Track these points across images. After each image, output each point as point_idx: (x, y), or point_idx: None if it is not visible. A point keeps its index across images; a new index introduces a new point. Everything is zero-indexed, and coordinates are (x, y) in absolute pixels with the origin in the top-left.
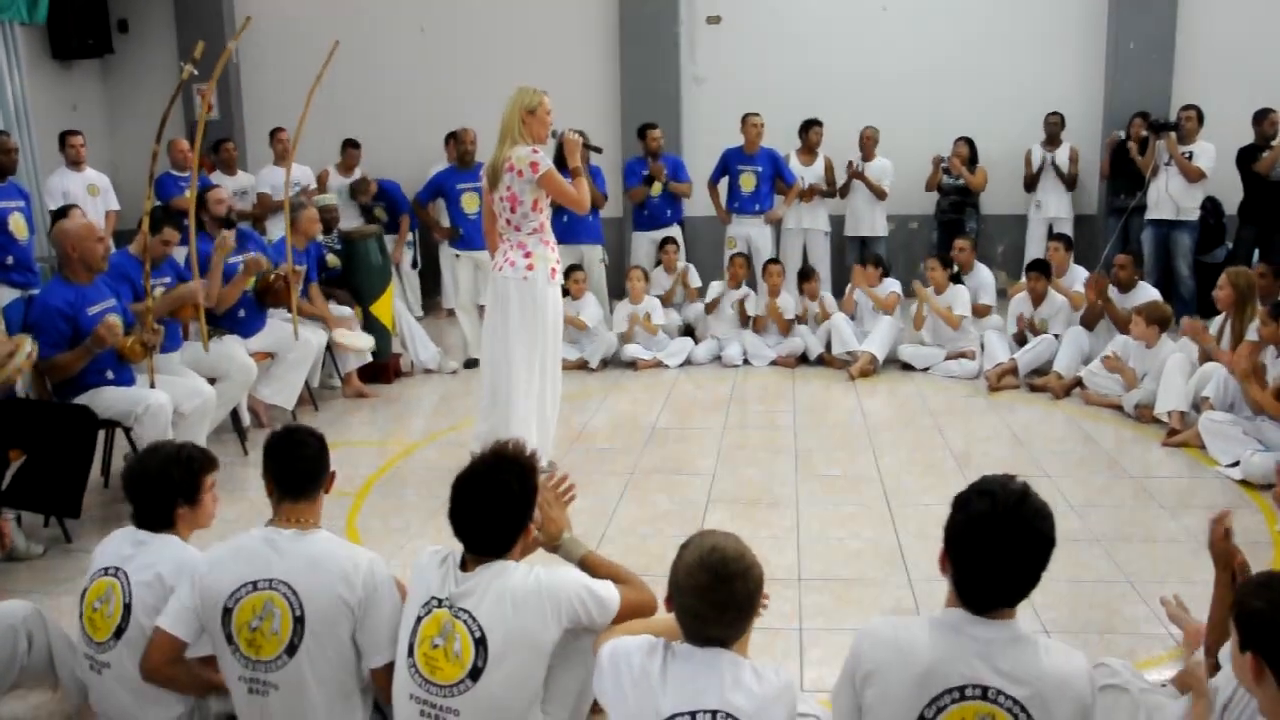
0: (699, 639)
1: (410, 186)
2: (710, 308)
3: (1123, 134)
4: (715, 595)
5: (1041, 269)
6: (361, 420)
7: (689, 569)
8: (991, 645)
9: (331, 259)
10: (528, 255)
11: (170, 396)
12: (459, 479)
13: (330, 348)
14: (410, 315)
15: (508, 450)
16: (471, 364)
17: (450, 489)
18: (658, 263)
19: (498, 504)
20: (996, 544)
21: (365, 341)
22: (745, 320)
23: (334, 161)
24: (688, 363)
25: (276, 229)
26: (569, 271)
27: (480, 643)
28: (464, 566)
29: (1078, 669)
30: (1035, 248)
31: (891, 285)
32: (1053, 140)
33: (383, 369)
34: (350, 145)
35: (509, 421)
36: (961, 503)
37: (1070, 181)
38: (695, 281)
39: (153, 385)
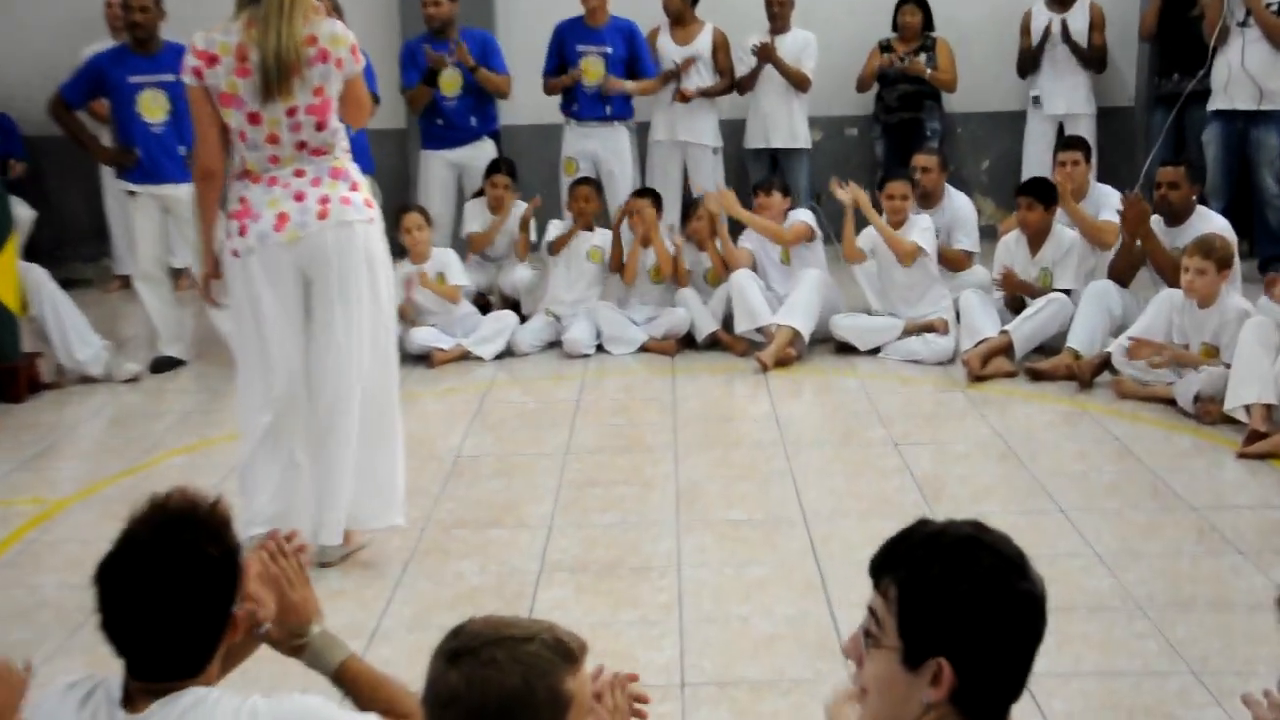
0: None
1: (49, 79)
2: (557, 246)
3: None
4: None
5: (1038, 193)
6: None
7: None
8: None
9: None
10: (355, 188)
11: None
12: (110, 558)
13: None
14: (57, 289)
15: (182, 500)
16: (163, 365)
17: (96, 576)
18: (476, 194)
19: (185, 588)
20: (1037, 633)
21: None
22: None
23: None
24: (508, 353)
25: None
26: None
27: None
28: (128, 703)
29: None
30: (1038, 161)
31: (801, 215)
32: None
33: (7, 378)
34: None
35: (381, 469)
36: (995, 587)
37: (1091, 59)
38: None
39: None
